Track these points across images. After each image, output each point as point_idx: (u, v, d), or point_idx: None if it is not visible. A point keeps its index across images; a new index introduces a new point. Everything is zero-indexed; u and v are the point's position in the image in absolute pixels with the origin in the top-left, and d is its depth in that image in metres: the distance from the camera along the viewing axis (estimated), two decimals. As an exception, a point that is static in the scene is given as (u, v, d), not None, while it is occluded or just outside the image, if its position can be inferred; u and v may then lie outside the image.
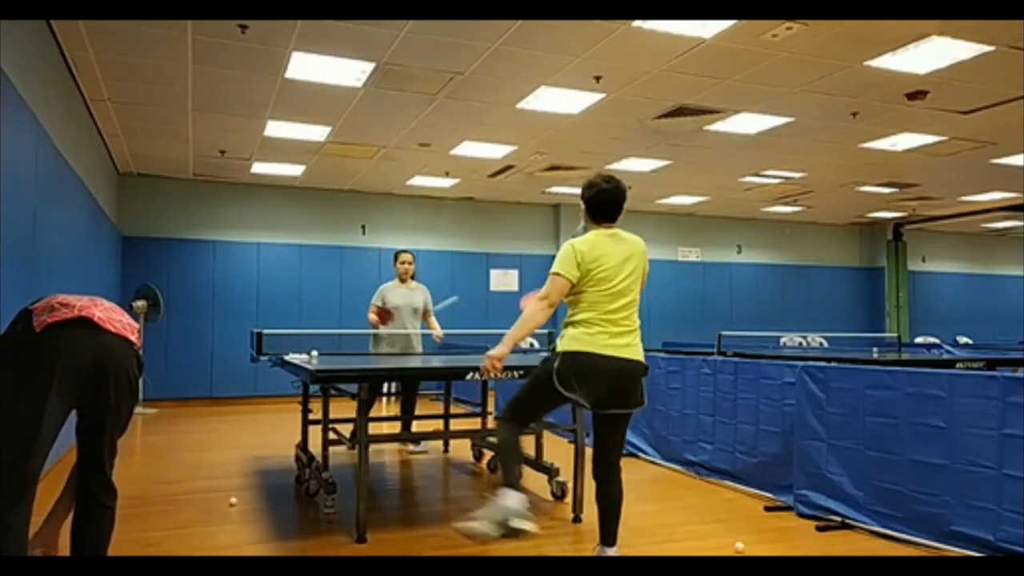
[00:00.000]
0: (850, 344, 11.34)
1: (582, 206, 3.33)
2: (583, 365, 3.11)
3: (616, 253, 3.22)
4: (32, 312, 2.51)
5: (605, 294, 3.16)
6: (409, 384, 6.52)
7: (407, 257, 6.58)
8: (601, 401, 3.16)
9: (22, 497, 2.36)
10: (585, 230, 3.33)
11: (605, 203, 3.26)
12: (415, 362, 5.11)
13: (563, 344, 3.17)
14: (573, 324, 3.18)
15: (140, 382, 2.72)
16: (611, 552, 3.26)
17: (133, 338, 2.64)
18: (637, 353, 3.22)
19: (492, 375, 3.39)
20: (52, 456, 2.72)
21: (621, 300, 3.19)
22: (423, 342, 6.60)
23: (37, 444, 2.37)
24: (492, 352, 3.29)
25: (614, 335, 3.15)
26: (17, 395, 2.38)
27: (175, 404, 9.78)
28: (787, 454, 4.52)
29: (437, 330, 6.49)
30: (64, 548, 2.77)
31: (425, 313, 6.54)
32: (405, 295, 6.44)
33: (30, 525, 2.43)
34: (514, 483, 3.15)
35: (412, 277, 6.58)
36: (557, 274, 3.15)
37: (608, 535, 3.28)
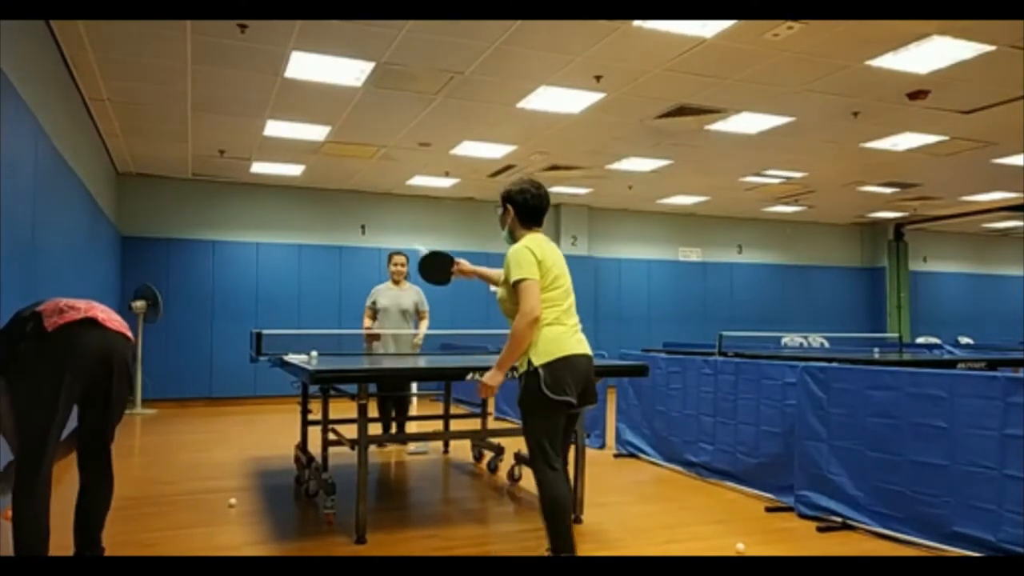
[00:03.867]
0: (851, 344, 11.33)
1: (509, 210, 3.26)
2: (567, 367, 3.06)
3: (556, 253, 3.23)
4: (41, 314, 2.87)
5: (561, 292, 3.16)
6: (399, 385, 6.57)
7: (400, 260, 6.64)
8: (579, 399, 3.13)
9: (41, 467, 2.79)
10: (511, 234, 3.29)
11: (535, 208, 3.25)
12: (416, 362, 5.10)
13: (539, 356, 3.05)
14: (541, 328, 3.08)
15: (134, 373, 3.22)
16: None
17: (129, 334, 3.09)
18: (590, 349, 3.25)
19: (488, 396, 3.33)
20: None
21: (571, 298, 3.22)
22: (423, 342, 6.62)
23: (54, 424, 2.81)
24: (487, 379, 3.22)
25: (575, 332, 3.18)
26: (37, 384, 2.81)
27: (174, 404, 9.77)
28: (788, 455, 4.51)
29: (419, 334, 6.49)
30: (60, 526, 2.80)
31: (419, 314, 6.58)
32: (395, 296, 6.49)
33: (50, 495, 2.83)
34: (570, 547, 3.02)
35: (405, 278, 6.62)
36: (525, 279, 3.06)
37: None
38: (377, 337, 6.37)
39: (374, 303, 6.51)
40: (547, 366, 3.04)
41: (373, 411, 6.62)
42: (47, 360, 2.82)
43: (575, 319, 3.22)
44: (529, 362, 3.07)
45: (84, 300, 3.03)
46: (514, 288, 3.09)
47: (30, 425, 2.80)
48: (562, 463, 3.21)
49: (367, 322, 6.48)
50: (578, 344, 3.15)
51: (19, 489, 2.77)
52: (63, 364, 2.82)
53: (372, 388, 6.83)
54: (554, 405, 3.04)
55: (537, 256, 3.10)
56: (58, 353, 2.83)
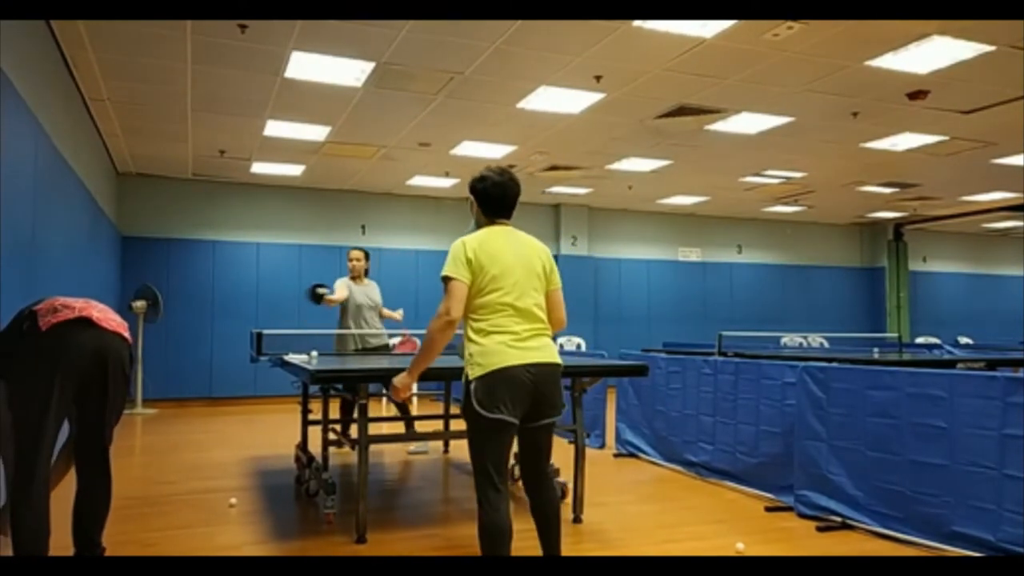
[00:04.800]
0: (851, 344, 11.33)
1: (472, 201, 3.00)
2: (501, 382, 2.74)
3: (511, 249, 2.91)
4: (36, 313, 2.87)
5: (504, 294, 2.83)
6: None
7: (357, 254, 6.52)
8: (527, 415, 2.82)
9: (37, 469, 2.78)
10: (477, 226, 3.02)
11: (498, 197, 2.96)
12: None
13: (472, 368, 2.79)
14: (475, 340, 2.81)
15: (132, 374, 3.12)
16: None
17: (126, 334, 3.05)
18: (551, 355, 2.89)
19: (403, 399, 3.16)
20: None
21: (526, 300, 2.87)
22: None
23: (48, 424, 2.80)
24: (396, 380, 3.06)
25: (523, 338, 2.82)
26: (31, 383, 2.79)
27: (175, 404, 9.78)
28: (788, 454, 4.52)
29: (396, 314, 6.54)
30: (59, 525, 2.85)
31: (379, 307, 6.54)
32: (363, 292, 6.43)
33: (48, 498, 2.84)
34: None
35: (365, 274, 6.56)
36: (448, 278, 2.80)
37: (552, 548, 2.97)
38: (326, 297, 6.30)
39: (349, 291, 6.37)
40: (480, 379, 2.75)
41: (376, 411, 6.66)
42: (41, 359, 2.80)
43: (530, 324, 2.87)
44: (465, 375, 2.83)
45: (82, 299, 3.01)
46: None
47: (24, 425, 2.77)
48: (538, 475, 2.97)
49: (338, 294, 6.32)
50: (524, 354, 2.79)
51: (16, 492, 2.75)
52: (56, 363, 2.80)
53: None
54: (489, 423, 2.74)
55: (469, 253, 2.82)
56: (52, 352, 2.80)
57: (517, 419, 2.80)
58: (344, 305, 6.36)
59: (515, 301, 2.85)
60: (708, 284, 13.25)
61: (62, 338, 2.82)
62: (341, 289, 6.36)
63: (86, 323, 2.90)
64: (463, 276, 2.81)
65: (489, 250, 2.86)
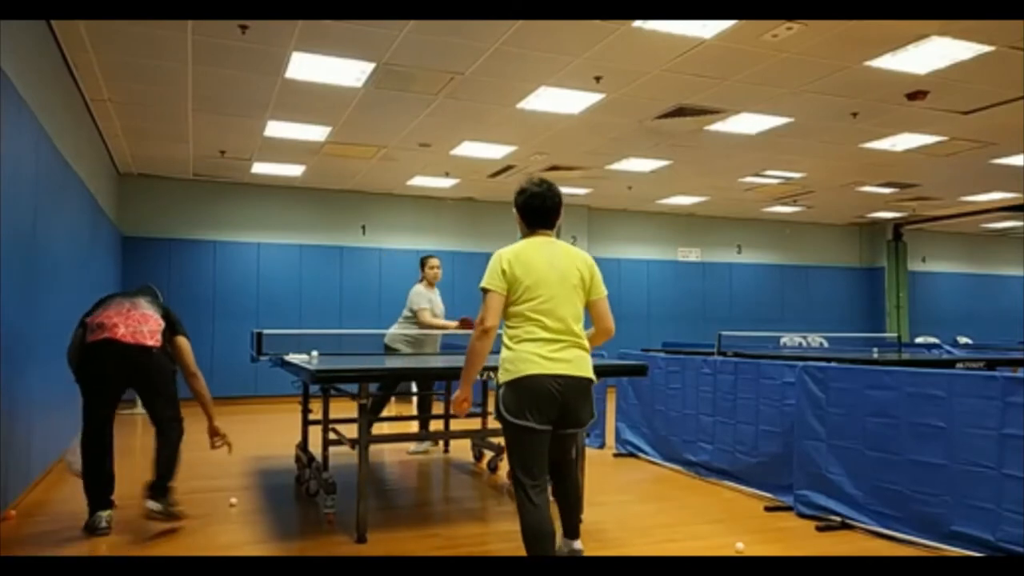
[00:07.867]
0: (850, 344, 11.34)
1: (515, 214, 3.09)
2: (527, 390, 2.83)
3: (547, 260, 2.94)
4: (87, 326, 3.88)
5: (539, 304, 2.89)
6: (426, 384, 6.64)
7: (437, 262, 6.49)
8: (553, 422, 2.89)
9: (92, 429, 3.93)
10: (522, 238, 3.10)
11: (536, 208, 3.02)
12: (416, 362, 5.11)
13: (501, 374, 2.91)
14: (508, 346, 2.91)
15: (167, 367, 4.19)
16: (577, 544, 3.24)
17: (150, 342, 3.95)
18: (582, 368, 2.92)
19: (463, 411, 3.12)
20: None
21: (560, 311, 2.91)
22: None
23: (92, 410, 3.93)
24: (454, 396, 3.07)
25: (555, 350, 2.87)
26: (81, 380, 3.91)
27: (175, 404, 9.77)
28: (787, 454, 4.52)
29: (451, 324, 6.41)
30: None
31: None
32: (437, 301, 6.39)
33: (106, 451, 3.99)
34: None
35: None
36: (485, 289, 2.90)
37: (571, 528, 3.25)
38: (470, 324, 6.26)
39: (431, 304, 6.29)
40: (507, 385, 2.87)
41: (387, 411, 6.70)
42: (83, 364, 3.88)
43: (563, 335, 2.91)
44: (497, 380, 2.95)
45: (122, 313, 3.92)
46: None
47: (85, 405, 3.90)
48: (564, 466, 3.13)
49: (435, 320, 6.23)
50: (553, 365, 2.85)
51: (84, 438, 3.92)
52: (91, 373, 3.87)
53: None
54: (515, 428, 2.85)
55: (504, 265, 2.90)
56: (89, 363, 3.86)
57: (546, 425, 2.87)
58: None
59: (549, 312, 2.90)
60: (707, 284, 13.27)
61: (93, 356, 3.83)
62: (425, 306, 6.26)
63: (112, 343, 3.79)
64: (498, 287, 2.90)
65: (524, 261, 2.92)
